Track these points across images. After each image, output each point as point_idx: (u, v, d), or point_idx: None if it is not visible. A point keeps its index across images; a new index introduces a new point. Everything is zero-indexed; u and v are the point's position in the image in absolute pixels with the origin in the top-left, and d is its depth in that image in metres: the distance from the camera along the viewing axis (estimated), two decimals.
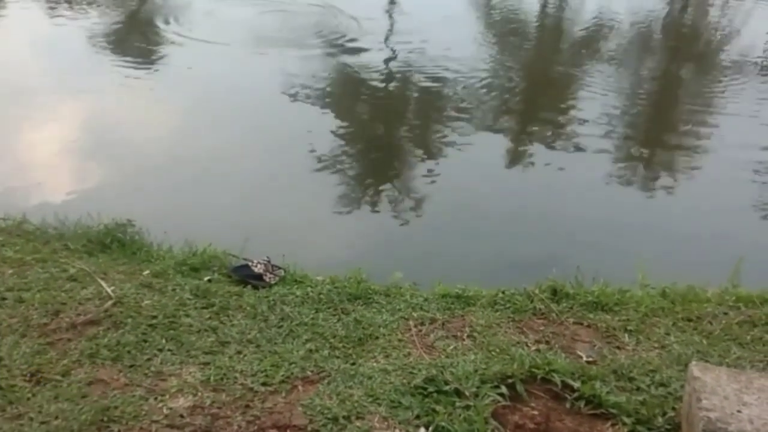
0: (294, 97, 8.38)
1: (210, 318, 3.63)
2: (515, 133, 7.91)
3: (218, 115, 7.73)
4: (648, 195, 6.93)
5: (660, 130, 8.32)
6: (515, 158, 7.36)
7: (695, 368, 2.92)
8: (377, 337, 3.55)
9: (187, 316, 3.63)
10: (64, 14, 11.11)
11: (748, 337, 3.68)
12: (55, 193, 5.75)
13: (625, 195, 6.79)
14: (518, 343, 3.55)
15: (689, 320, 3.86)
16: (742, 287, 4.23)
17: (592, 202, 6.46)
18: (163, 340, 3.40)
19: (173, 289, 3.88)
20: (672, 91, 9.90)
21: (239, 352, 3.36)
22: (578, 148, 7.51)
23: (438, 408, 2.97)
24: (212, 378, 3.15)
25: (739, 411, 2.60)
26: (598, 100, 8.83)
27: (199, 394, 3.05)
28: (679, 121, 8.63)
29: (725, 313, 3.93)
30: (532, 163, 7.22)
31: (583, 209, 6.24)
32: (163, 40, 10.13)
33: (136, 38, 10.35)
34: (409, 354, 3.43)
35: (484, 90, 9.03)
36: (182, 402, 3.00)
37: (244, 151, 6.98)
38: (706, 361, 3.44)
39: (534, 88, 9.31)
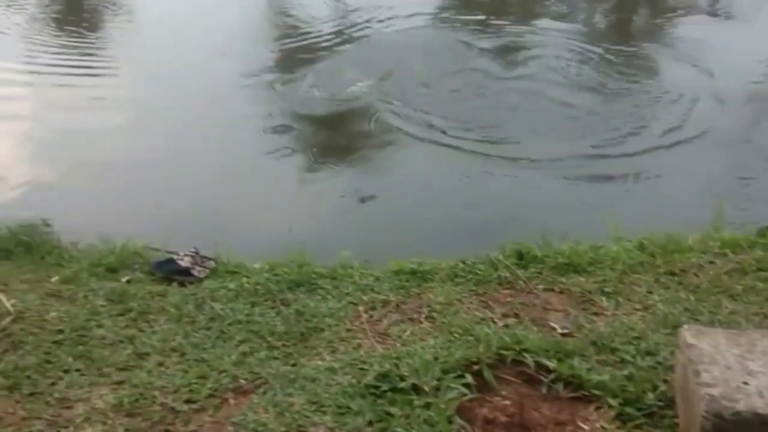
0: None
1: (127, 326, 3.13)
2: None
3: (133, 97, 7.04)
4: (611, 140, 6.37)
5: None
6: None
7: (688, 333, 2.49)
8: (322, 330, 3.08)
9: (100, 326, 3.12)
10: None
11: (740, 288, 3.28)
12: None
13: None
14: (483, 319, 3.11)
15: (672, 274, 3.45)
16: (726, 231, 3.83)
17: None
18: (70, 359, 2.90)
19: (85, 296, 3.36)
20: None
21: (160, 365, 2.87)
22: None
23: (393, 410, 2.52)
24: (126, 400, 2.66)
25: (745, 383, 2.18)
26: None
27: (110, 421, 2.56)
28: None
29: (711, 262, 3.54)
30: None
31: None
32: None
33: None
34: (360, 346, 2.97)
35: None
36: None
37: (164, 133, 6.31)
38: (696, 320, 3.04)
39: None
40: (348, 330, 3.08)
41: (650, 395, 2.59)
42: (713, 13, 9.73)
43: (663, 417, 2.51)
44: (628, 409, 2.53)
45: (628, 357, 2.80)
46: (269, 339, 3.01)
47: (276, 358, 2.89)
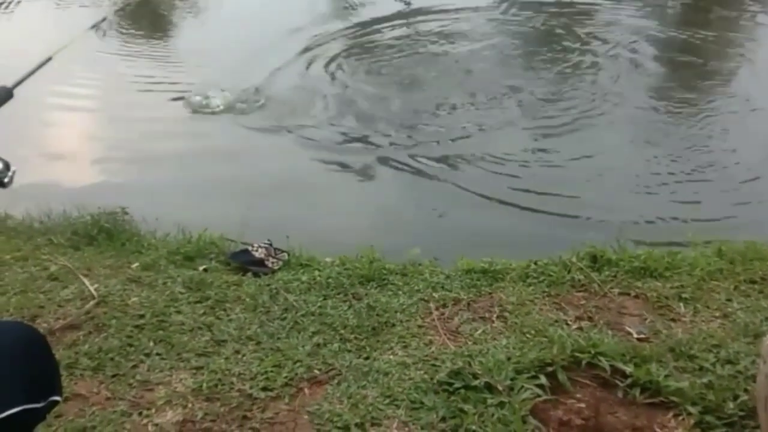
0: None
1: (204, 313, 3.22)
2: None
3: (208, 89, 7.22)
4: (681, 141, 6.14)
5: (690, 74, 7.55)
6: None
7: None
8: (394, 325, 3.11)
9: (179, 312, 3.22)
10: None
11: None
12: (41, 184, 5.31)
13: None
14: (556, 321, 3.09)
15: (753, 282, 3.35)
16: None
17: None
18: (151, 343, 3.00)
19: (164, 283, 3.47)
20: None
21: (237, 352, 2.94)
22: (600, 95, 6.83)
23: (466, 407, 2.53)
24: (205, 385, 2.74)
25: None
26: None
27: (190, 405, 2.65)
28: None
29: None
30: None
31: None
32: None
33: None
34: (431, 342, 2.98)
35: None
36: (170, 416, 2.60)
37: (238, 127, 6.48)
38: None
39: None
40: (419, 326, 3.10)
41: (731, 404, 2.52)
42: None
43: (744, 427, 2.45)
44: (708, 418, 2.47)
45: (707, 365, 2.74)
46: (342, 331, 3.05)
47: (349, 351, 2.93)
